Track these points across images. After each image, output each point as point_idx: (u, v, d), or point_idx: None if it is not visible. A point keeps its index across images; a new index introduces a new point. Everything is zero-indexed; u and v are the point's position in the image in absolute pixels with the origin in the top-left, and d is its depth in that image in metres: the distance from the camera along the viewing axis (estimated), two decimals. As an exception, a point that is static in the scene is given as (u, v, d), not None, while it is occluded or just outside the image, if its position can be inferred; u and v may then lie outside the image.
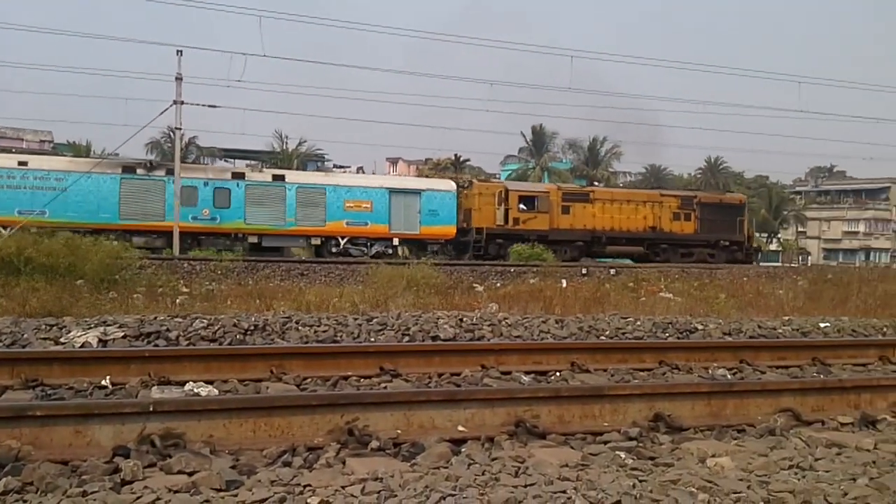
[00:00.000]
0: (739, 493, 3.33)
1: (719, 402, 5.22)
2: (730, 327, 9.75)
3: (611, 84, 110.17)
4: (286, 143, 52.21)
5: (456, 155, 64.34)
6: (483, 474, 3.61)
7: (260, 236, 28.37)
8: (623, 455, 4.17)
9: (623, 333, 9.17)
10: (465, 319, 9.21)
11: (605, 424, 4.87)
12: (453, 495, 3.26)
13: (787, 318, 11.23)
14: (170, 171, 27.81)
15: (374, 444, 4.26)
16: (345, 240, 29.19)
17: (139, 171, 28.04)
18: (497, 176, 61.39)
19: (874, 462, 3.97)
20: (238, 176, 29.42)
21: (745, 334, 9.47)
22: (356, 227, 29.47)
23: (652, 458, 4.10)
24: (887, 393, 5.77)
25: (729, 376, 7.11)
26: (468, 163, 66.91)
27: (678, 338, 9.09)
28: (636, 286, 19.16)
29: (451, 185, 32.13)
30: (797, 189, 73.77)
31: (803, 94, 79.33)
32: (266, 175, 30.24)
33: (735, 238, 35.26)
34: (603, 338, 8.88)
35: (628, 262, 31.22)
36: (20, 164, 27.12)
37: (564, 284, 19.20)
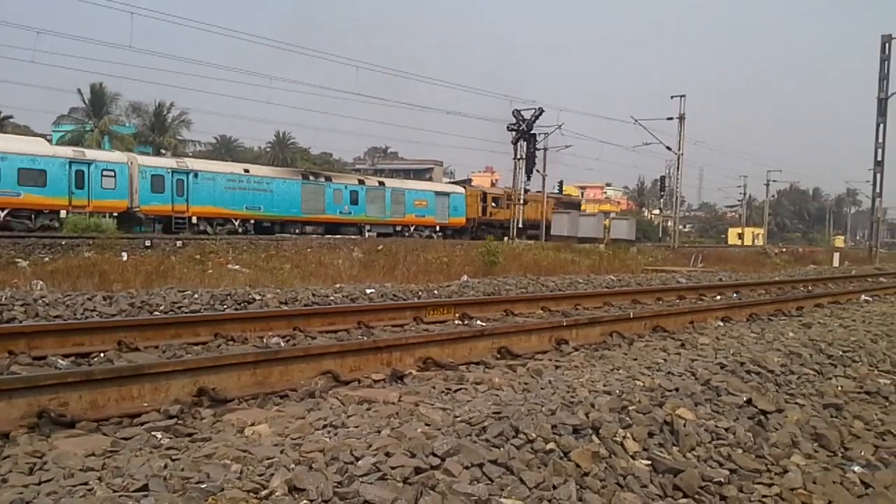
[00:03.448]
0: (272, 458, 3.37)
1: (265, 371, 5.32)
2: (286, 296, 10.07)
3: (175, 48, 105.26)
4: None
5: (-7, 111, 55.56)
6: (-13, 478, 3.15)
7: (372, 225, 41.03)
8: (160, 435, 4.00)
9: (179, 308, 8.88)
10: (-9, 300, 8.02)
11: (145, 405, 4.63)
12: (-62, 510, 2.77)
13: (339, 285, 12.02)
14: (328, 178, 40.95)
15: None
16: (413, 228, 43.66)
17: (310, 177, 39.61)
18: (49, 137, 54.65)
19: (397, 413, 4.33)
20: (361, 182, 42.46)
21: (301, 302, 9.87)
22: (420, 218, 44.22)
23: (190, 435, 4.01)
24: (414, 349, 6.47)
25: (283, 344, 7.31)
26: (11, 120, 58.42)
27: (236, 309, 9.11)
28: (203, 258, 18.85)
29: (463, 190, 48.89)
30: (357, 167, 79.67)
31: (361, 78, 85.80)
32: (374, 181, 43.97)
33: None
34: (157, 313, 8.49)
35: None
36: (245, 170, 37.02)
37: (125, 258, 18.06)
